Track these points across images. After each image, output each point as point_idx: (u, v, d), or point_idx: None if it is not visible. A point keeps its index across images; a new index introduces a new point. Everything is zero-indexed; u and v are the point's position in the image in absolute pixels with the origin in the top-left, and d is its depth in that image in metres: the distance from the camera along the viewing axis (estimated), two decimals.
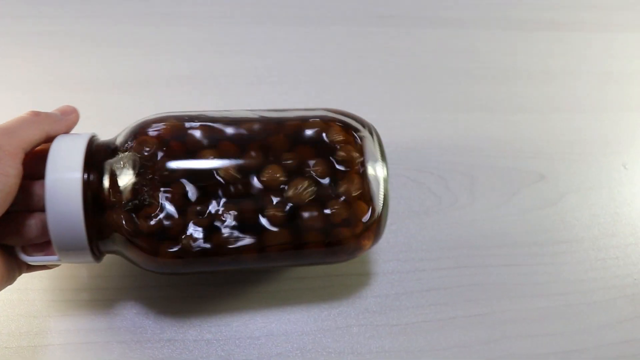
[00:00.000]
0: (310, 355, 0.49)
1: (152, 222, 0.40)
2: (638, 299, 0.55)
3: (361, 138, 0.45)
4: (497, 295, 0.53)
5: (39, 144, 0.40)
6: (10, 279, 0.41)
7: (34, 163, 0.41)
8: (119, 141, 0.42)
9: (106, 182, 0.40)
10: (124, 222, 0.40)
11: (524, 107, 0.66)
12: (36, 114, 0.41)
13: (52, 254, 0.42)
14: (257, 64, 0.65)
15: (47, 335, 0.47)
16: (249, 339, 0.49)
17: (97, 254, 0.42)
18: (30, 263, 0.42)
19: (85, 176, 0.39)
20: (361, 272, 0.53)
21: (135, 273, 0.50)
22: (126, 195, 0.40)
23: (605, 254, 0.57)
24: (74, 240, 0.39)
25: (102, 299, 0.49)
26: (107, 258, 0.50)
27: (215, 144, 0.42)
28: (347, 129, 0.45)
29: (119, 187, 0.40)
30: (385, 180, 0.44)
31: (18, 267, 0.42)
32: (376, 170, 0.44)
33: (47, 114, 0.42)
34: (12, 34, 0.64)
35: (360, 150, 0.44)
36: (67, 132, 0.43)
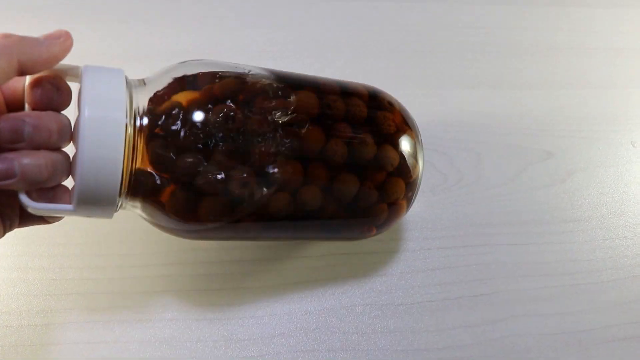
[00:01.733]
0: (314, 335, 0.48)
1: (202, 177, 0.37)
2: None
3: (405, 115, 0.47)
4: (503, 275, 0.53)
5: (8, 76, 0.33)
6: None
7: (40, 92, 0.35)
8: (159, 86, 0.39)
9: (148, 129, 0.37)
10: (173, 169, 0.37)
11: (531, 83, 0.65)
12: (5, 36, 0.33)
13: (62, 202, 0.36)
14: (259, 39, 0.64)
15: (47, 314, 0.47)
16: (252, 318, 0.48)
17: (117, 209, 0.38)
18: (35, 212, 0.35)
19: (128, 119, 0.35)
20: (366, 250, 0.52)
21: (137, 252, 0.50)
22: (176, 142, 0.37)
23: (613, 233, 0.57)
24: (103, 191, 0.35)
25: (104, 278, 0.48)
26: (108, 236, 0.50)
27: (277, 96, 0.41)
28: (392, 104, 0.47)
29: (166, 132, 0.37)
30: (422, 158, 0.46)
31: (10, 219, 0.37)
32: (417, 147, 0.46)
33: (21, 37, 0.34)
34: (5, 7, 0.62)
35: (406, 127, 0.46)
36: (55, 60, 0.35)
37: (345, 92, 0.45)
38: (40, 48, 0.34)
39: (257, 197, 0.39)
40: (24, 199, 0.34)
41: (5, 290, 0.47)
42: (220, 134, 0.37)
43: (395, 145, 0.44)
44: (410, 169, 0.45)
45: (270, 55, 0.63)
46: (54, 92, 0.36)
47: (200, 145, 0.37)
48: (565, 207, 0.57)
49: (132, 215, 0.45)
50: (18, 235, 0.48)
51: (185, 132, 0.37)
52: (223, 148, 0.37)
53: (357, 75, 0.62)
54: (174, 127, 0.37)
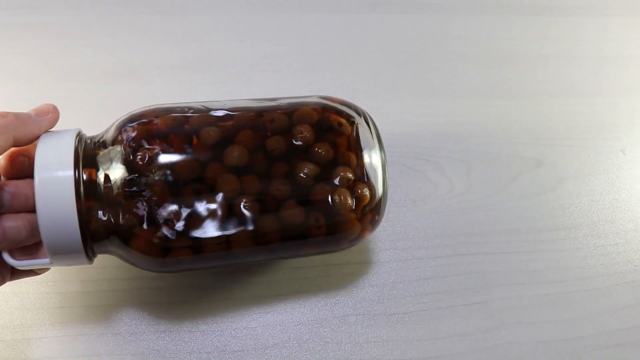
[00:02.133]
0: (307, 346, 0.48)
1: (149, 216, 0.39)
2: (638, 286, 0.54)
3: (356, 125, 0.44)
4: (495, 283, 0.53)
5: (4, 151, 0.37)
6: None
7: (15, 164, 0.39)
8: (108, 136, 0.41)
9: (100, 178, 0.39)
10: (120, 218, 0.39)
11: (520, 92, 0.66)
12: (2, 116, 0.37)
13: (42, 257, 0.40)
14: (249, 52, 0.65)
15: (41, 328, 0.47)
16: (245, 329, 0.48)
17: (91, 256, 0.40)
18: (18, 267, 0.39)
19: (77, 174, 0.38)
20: (358, 261, 0.52)
21: (129, 264, 0.49)
22: (121, 188, 0.38)
23: (604, 241, 0.57)
24: (67, 241, 0.38)
25: (97, 290, 0.48)
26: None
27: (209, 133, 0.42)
28: (342, 116, 0.45)
29: (111, 182, 0.39)
30: (384, 166, 0.44)
31: (1, 274, 0.40)
32: (372, 157, 0.43)
33: (15, 116, 0.38)
34: (1, 24, 0.63)
35: (356, 137, 0.44)
36: (42, 133, 0.40)
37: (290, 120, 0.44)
38: (32, 126, 0.39)
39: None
40: (6, 257, 0.38)
41: None
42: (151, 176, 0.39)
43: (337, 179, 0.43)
44: (360, 196, 0.43)
45: (261, 68, 0.64)
46: (25, 162, 0.40)
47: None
48: (556, 215, 0.58)
49: None
50: None
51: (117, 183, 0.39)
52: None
53: (347, 86, 0.63)
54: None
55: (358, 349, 0.48)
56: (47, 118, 0.40)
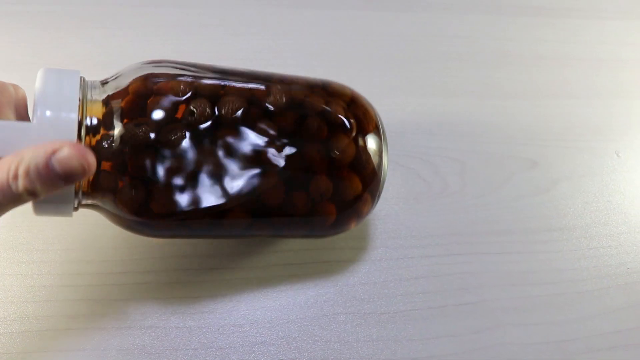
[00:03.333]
0: (296, 344, 0.47)
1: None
2: (631, 289, 0.54)
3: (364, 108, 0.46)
4: (488, 284, 0.52)
5: None
6: None
7: None
8: (113, 86, 0.41)
9: (101, 128, 0.38)
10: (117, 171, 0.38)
11: (516, 92, 0.65)
12: (15, 178, 0.33)
13: None
14: (243, 47, 0.64)
15: (24, 322, 0.46)
16: (233, 326, 0.48)
17: (76, 206, 0.39)
18: None
19: (80, 118, 0.37)
20: (348, 259, 0.52)
21: (117, 258, 0.49)
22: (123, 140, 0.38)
23: (597, 243, 0.56)
24: (59, 193, 0.35)
25: (82, 285, 0.48)
26: (88, 242, 0.49)
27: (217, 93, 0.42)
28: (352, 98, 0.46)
29: (113, 134, 0.38)
30: (386, 150, 0.45)
31: None
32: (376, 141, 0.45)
33: (39, 178, 0.33)
34: None
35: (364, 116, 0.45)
36: None
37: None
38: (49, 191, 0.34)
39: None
40: None
41: None
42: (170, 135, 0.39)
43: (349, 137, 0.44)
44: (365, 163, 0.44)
45: (254, 63, 0.63)
46: None
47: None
48: (550, 216, 0.57)
49: (111, 223, 0.45)
50: None
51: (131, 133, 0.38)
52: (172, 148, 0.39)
53: (341, 82, 0.62)
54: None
55: (347, 348, 0.48)
56: (74, 182, 0.35)
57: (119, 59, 0.61)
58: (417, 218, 0.55)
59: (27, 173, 0.33)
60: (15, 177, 0.33)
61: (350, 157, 0.43)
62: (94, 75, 0.59)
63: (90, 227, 0.50)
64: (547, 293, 0.53)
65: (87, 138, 0.37)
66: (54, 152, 0.33)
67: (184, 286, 0.49)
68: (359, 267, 0.51)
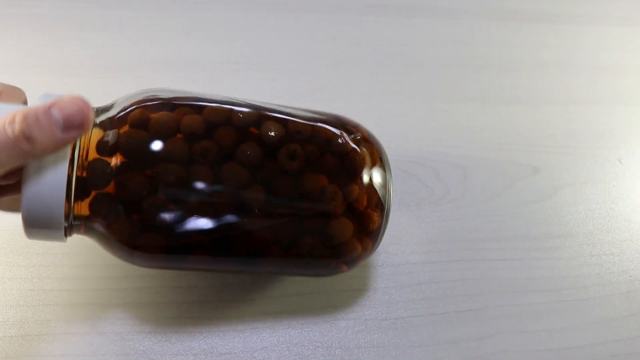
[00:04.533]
0: (296, 349, 0.47)
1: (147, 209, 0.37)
2: (633, 296, 0.54)
3: (366, 147, 0.43)
4: (489, 290, 0.52)
5: (9, 170, 0.33)
6: None
7: None
8: (110, 114, 0.40)
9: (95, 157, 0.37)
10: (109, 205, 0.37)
11: (518, 98, 0.65)
12: (25, 138, 0.32)
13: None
14: (245, 51, 0.64)
15: (23, 326, 0.45)
16: (234, 331, 0.47)
17: (68, 233, 0.38)
18: None
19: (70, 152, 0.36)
20: None
21: (117, 263, 0.48)
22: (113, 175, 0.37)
23: (600, 250, 0.56)
24: (49, 219, 0.35)
25: (82, 289, 0.47)
26: (88, 246, 0.49)
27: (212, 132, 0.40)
28: (352, 137, 0.43)
29: (107, 166, 0.37)
30: (389, 193, 0.43)
31: None
32: (380, 180, 0.43)
33: (40, 133, 0.33)
34: None
35: (366, 160, 0.43)
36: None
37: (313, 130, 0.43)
38: (56, 145, 0.34)
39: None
40: None
41: None
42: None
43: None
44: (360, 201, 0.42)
45: (257, 67, 0.63)
46: None
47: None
48: (552, 223, 0.57)
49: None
50: None
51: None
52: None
53: (344, 88, 0.62)
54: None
55: (348, 354, 0.47)
56: (76, 134, 0.34)
57: (119, 63, 0.61)
58: (418, 224, 0.55)
59: (25, 118, 0.32)
60: (12, 121, 0.32)
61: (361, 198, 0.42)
62: (95, 78, 0.59)
63: None
64: (549, 300, 0.53)
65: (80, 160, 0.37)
66: (54, 104, 0.33)
67: (184, 291, 0.48)
68: (359, 273, 0.51)
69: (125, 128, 0.38)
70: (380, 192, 0.42)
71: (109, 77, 0.59)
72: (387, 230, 0.53)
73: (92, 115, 0.35)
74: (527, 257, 0.55)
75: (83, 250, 0.49)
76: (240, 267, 0.44)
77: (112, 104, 0.41)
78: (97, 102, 0.56)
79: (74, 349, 0.45)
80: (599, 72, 0.69)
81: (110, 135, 0.38)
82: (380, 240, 0.44)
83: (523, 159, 0.61)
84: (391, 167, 0.53)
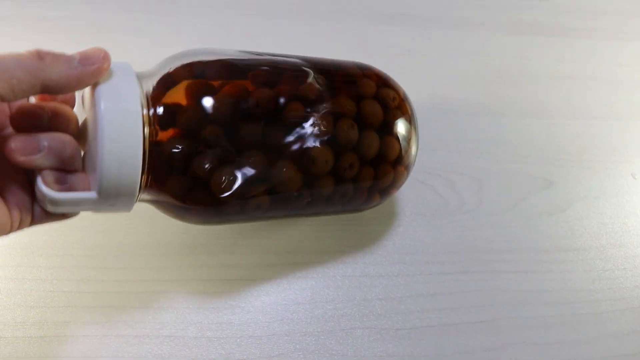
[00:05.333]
0: (312, 357, 0.47)
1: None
2: None
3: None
4: (502, 302, 0.53)
5: (27, 95, 0.32)
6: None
7: (31, 116, 0.35)
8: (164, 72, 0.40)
9: (164, 119, 0.37)
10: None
11: (533, 111, 0.65)
12: (39, 56, 0.33)
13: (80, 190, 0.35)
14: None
15: (43, 327, 0.46)
16: (251, 338, 0.48)
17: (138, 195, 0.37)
18: (53, 207, 0.34)
19: (145, 111, 0.35)
20: (366, 273, 0.52)
21: (136, 266, 0.49)
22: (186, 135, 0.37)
23: (612, 264, 0.56)
24: (125, 181, 0.34)
25: (101, 291, 0.48)
26: (107, 249, 0.49)
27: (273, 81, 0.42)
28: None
29: (177, 126, 0.37)
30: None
31: (22, 214, 0.35)
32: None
33: (54, 58, 0.33)
34: (12, 18, 0.62)
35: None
36: (83, 86, 0.34)
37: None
38: (71, 74, 0.33)
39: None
40: (42, 187, 0.33)
41: (1, 301, 0.47)
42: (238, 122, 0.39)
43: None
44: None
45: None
46: (44, 117, 0.36)
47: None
48: (565, 236, 0.57)
49: (131, 230, 0.45)
50: (16, 245, 0.48)
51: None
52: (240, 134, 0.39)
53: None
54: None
55: None
56: (93, 68, 0.34)
57: (135, 65, 0.61)
58: (433, 234, 0.55)
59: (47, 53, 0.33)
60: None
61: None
62: None
63: (109, 234, 0.50)
64: (561, 313, 0.53)
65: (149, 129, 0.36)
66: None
67: (202, 297, 0.49)
68: (376, 282, 0.52)
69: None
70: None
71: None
72: (402, 240, 0.54)
73: (108, 57, 0.35)
74: (540, 269, 0.55)
75: (101, 253, 0.49)
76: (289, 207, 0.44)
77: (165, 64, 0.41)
78: None
79: (92, 350, 0.46)
80: (614, 87, 0.69)
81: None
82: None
83: (537, 172, 0.61)
84: (408, 178, 0.54)
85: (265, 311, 0.49)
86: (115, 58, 0.61)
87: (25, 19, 0.62)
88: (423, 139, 0.61)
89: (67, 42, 0.62)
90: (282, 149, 0.40)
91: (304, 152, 0.41)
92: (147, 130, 0.35)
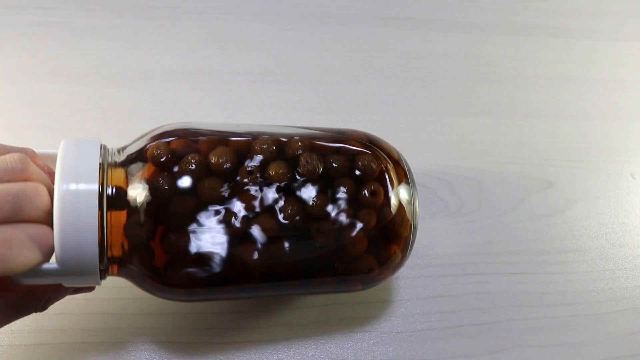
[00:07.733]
0: None
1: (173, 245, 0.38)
2: None
3: (392, 169, 0.43)
4: (503, 304, 0.52)
5: None
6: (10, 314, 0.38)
7: None
8: (133, 150, 0.40)
9: (124, 195, 0.37)
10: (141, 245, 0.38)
11: (532, 113, 0.65)
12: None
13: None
14: (260, 62, 0.64)
15: (40, 334, 0.46)
16: (250, 342, 0.47)
17: (103, 276, 0.38)
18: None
19: (101, 189, 0.36)
20: None
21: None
22: (144, 211, 0.37)
23: (613, 265, 0.56)
24: (84, 261, 0.35)
25: (99, 298, 0.47)
26: None
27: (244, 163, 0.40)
28: (379, 158, 0.43)
29: (136, 202, 0.37)
30: (415, 215, 0.43)
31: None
32: (406, 201, 0.43)
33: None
34: (11, 24, 0.62)
35: (391, 181, 0.43)
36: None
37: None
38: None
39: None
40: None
41: None
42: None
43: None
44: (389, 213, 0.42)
45: (271, 78, 0.63)
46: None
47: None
48: (565, 237, 0.57)
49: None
50: None
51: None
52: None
53: (359, 100, 0.62)
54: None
55: None
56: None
57: (135, 72, 0.61)
58: (433, 237, 0.55)
59: None
60: None
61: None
62: (110, 87, 0.59)
63: None
64: (562, 314, 0.53)
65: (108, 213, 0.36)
66: None
67: (208, 332, 0.48)
68: (376, 286, 0.51)
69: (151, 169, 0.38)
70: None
71: (124, 86, 0.60)
72: None
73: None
74: (541, 271, 0.55)
75: None
76: (266, 291, 0.45)
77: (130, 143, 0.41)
78: (111, 112, 0.57)
79: (90, 358, 0.45)
80: (613, 87, 0.69)
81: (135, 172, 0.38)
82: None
83: (537, 173, 0.61)
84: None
85: (263, 315, 0.49)
86: (113, 64, 0.61)
87: (18, 25, 0.62)
88: (422, 140, 0.61)
89: (62, 49, 0.62)
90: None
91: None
92: (105, 209, 0.36)
